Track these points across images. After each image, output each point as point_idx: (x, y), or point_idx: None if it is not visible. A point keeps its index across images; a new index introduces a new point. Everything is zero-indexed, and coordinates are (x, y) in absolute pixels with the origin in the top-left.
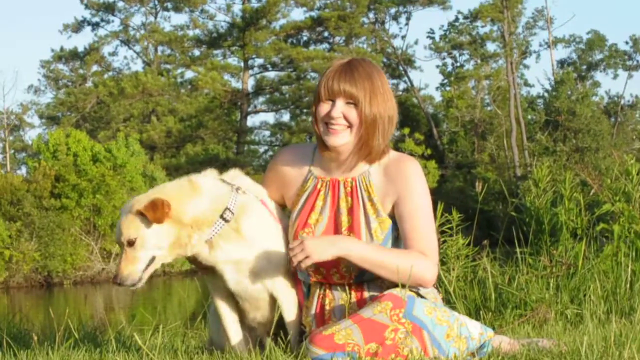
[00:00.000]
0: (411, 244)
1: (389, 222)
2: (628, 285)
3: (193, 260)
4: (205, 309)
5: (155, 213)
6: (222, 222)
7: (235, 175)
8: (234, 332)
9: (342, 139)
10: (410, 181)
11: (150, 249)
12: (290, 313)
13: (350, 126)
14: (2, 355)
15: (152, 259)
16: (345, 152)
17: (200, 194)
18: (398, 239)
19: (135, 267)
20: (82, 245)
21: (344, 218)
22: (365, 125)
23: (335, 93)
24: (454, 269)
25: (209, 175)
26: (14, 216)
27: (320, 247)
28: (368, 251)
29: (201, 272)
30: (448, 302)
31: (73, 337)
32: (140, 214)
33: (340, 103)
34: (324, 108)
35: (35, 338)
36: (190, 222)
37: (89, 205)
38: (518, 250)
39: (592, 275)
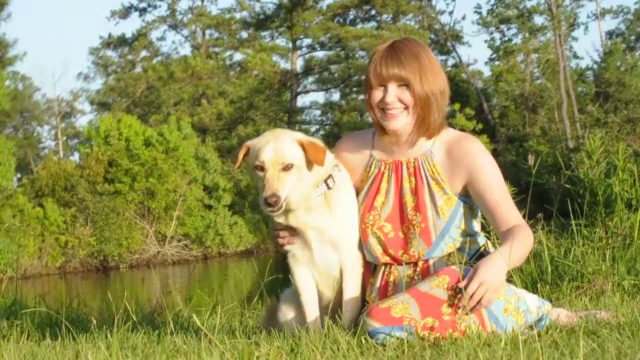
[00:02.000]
0: (501, 215)
1: (455, 199)
2: None
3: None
4: (262, 288)
5: (317, 154)
6: (325, 187)
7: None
8: (313, 309)
9: (401, 121)
10: (478, 159)
11: (298, 179)
12: (351, 289)
13: (406, 107)
14: (61, 340)
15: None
16: (405, 133)
17: (327, 156)
18: (465, 215)
19: (286, 190)
20: (137, 229)
21: (409, 198)
22: (421, 104)
23: (385, 78)
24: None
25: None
26: (69, 202)
27: (496, 275)
28: (514, 259)
29: (285, 245)
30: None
31: (131, 320)
32: (303, 146)
33: (392, 87)
34: (377, 95)
35: (94, 322)
36: (316, 179)
37: (143, 189)
38: (573, 222)
39: None
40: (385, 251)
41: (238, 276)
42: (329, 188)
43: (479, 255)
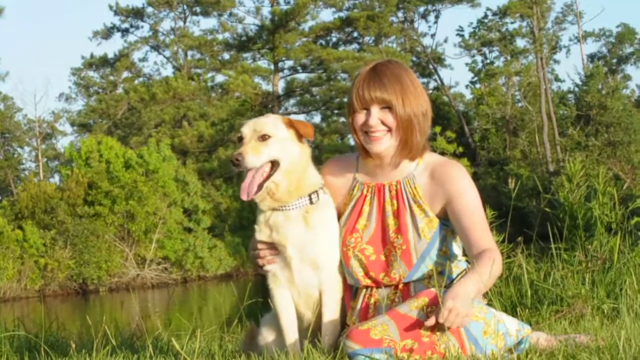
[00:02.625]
0: (474, 238)
1: (436, 222)
2: None
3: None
4: (242, 312)
5: (306, 128)
6: (307, 201)
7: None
8: (292, 332)
9: (384, 144)
10: (458, 182)
11: (277, 152)
12: (330, 311)
13: (389, 130)
14: None
15: (276, 165)
16: (389, 156)
17: (313, 169)
18: (446, 238)
19: (260, 157)
20: (117, 252)
21: (391, 221)
22: (403, 126)
23: (368, 101)
24: (502, 270)
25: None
26: (48, 224)
27: (466, 303)
28: (481, 285)
29: (265, 265)
30: (483, 299)
31: (110, 343)
32: (289, 124)
33: (375, 110)
34: (360, 118)
35: (74, 346)
36: (302, 172)
37: (122, 212)
38: (553, 246)
39: (628, 269)
40: (367, 274)
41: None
42: (311, 202)
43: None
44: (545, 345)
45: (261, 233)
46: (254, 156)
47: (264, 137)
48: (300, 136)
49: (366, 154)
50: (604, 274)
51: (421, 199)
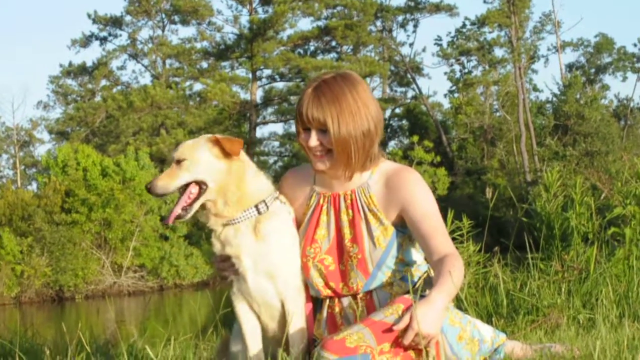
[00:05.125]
0: (434, 244)
1: (392, 230)
2: None
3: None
4: (217, 320)
5: (232, 144)
6: (255, 212)
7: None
8: (254, 343)
9: (325, 163)
10: (412, 188)
11: (197, 173)
12: (295, 322)
13: (329, 150)
14: None
15: (201, 187)
16: (333, 173)
17: (257, 179)
18: (402, 245)
19: (172, 182)
20: (93, 260)
21: (346, 230)
22: (338, 147)
23: (306, 122)
24: (465, 276)
25: (267, 175)
26: (25, 232)
27: (434, 324)
28: (449, 295)
29: (227, 276)
30: (460, 309)
31: (85, 350)
32: (215, 142)
33: (314, 132)
34: (303, 137)
35: (48, 352)
36: (236, 185)
37: (99, 220)
38: (529, 255)
39: (604, 280)
40: (327, 284)
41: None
42: (259, 213)
43: (426, 281)
44: (521, 354)
45: (215, 247)
46: (164, 182)
47: (179, 162)
48: (236, 154)
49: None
50: (580, 284)
51: (376, 207)
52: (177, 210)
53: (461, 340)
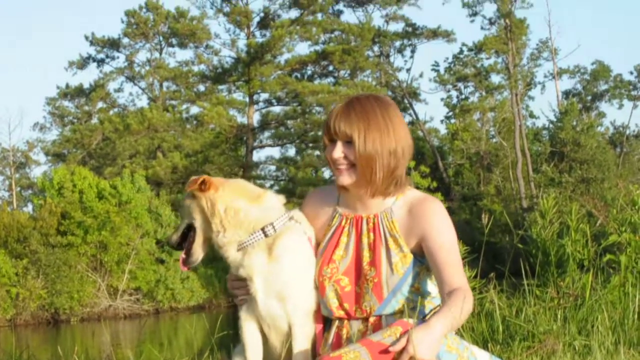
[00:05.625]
0: (447, 276)
1: (410, 258)
2: (636, 316)
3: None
4: (213, 343)
5: (194, 183)
6: (261, 235)
7: (296, 213)
8: (253, 357)
9: (348, 178)
10: (435, 218)
11: (184, 217)
12: (300, 344)
13: (353, 165)
14: None
15: (192, 230)
16: (355, 190)
17: (257, 203)
18: (419, 275)
19: (175, 233)
20: (89, 282)
21: (366, 253)
22: (361, 162)
23: (333, 134)
24: (473, 310)
25: (278, 197)
26: (21, 254)
27: (430, 349)
28: (450, 324)
29: (239, 296)
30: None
31: None
32: (190, 188)
33: (339, 144)
34: (329, 150)
35: None
36: (227, 215)
37: (95, 242)
38: (525, 282)
39: (600, 306)
40: (341, 305)
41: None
42: (266, 236)
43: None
44: None
45: (231, 268)
46: (172, 235)
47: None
48: (202, 191)
49: (339, 186)
50: (576, 310)
51: (397, 233)
52: (182, 257)
53: None
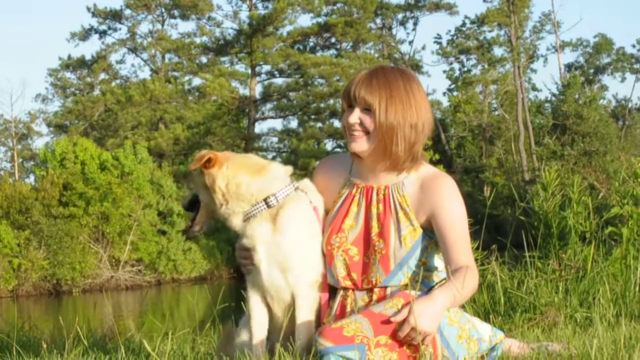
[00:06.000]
0: (454, 253)
1: (420, 232)
2: (637, 288)
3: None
4: (215, 315)
5: (199, 161)
6: (264, 205)
7: (303, 183)
8: (259, 333)
9: (361, 145)
10: (445, 195)
11: (191, 188)
12: (303, 315)
13: (367, 132)
14: None
15: (198, 201)
16: (368, 159)
17: (260, 175)
18: (427, 249)
19: (185, 200)
20: (91, 253)
21: (374, 223)
22: (382, 132)
23: (352, 100)
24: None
25: (285, 169)
26: (23, 225)
27: (432, 321)
28: (453, 298)
29: (247, 265)
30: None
31: (82, 344)
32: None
33: (357, 110)
34: (346, 115)
35: (45, 346)
36: (229, 189)
37: (97, 213)
38: (527, 254)
39: (601, 279)
40: (348, 274)
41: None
42: (269, 206)
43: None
44: (518, 352)
45: (239, 239)
46: (185, 200)
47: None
48: (206, 168)
49: (354, 154)
50: (578, 282)
51: (408, 206)
52: (187, 225)
53: (460, 340)
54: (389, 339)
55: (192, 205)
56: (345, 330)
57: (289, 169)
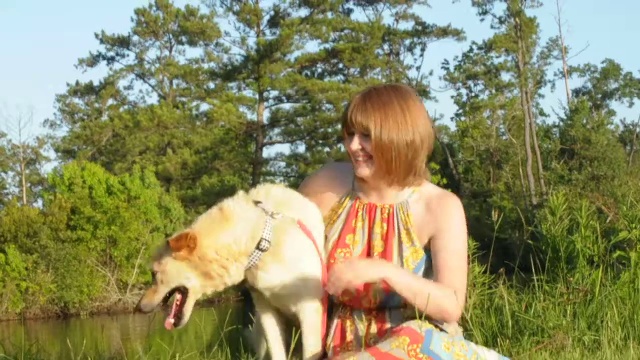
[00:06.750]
0: (441, 279)
1: (422, 253)
2: None
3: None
4: (222, 337)
5: (175, 243)
6: (259, 253)
7: (267, 191)
8: (277, 350)
9: (365, 170)
10: (449, 217)
11: (171, 282)
12: (310, 338)
13: (370, 156)
14: None
15: (180, 293)
16: (373, 181)
17: (233, 224)
18: (429, 272)
19: (153, 298)
20: (99, 277)
21: (377, 243)
22: (378, 153)
23: (350, 126)
24: (470, 297)
25: (241, 200)
26: (31, 248)
27: (364, 269)
28: (407, 278)
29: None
30: (465, 329)
31: None
32: (173, 246)
33: (357, 136)
34: (347, 142)
35: None
36: (224, 252)
37: (105, 237)
38: (535, 277)
39: (609, 302)
40: (347, 291)
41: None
42: (263, 251)
43: None
44: None
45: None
46: (147, 300)
47: (154, 275)
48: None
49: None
50: (585, 306)
51: (412, 226)
52: (170, 321)
53: None
54: None
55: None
56: None
57: (241, 198)
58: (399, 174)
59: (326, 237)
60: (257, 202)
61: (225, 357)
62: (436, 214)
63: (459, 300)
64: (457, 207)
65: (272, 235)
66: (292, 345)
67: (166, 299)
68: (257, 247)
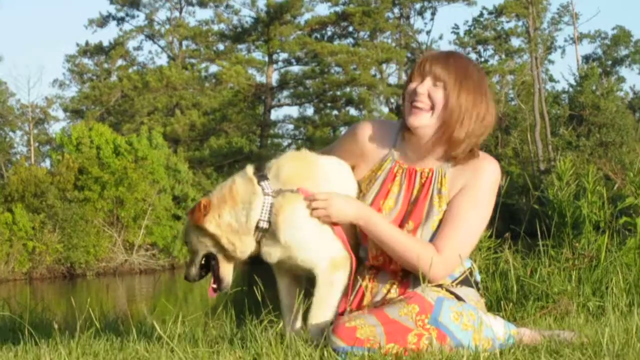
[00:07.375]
0: (443, 232)
1: None
2: None
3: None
4: (227, 299)
5: (193, 215)
6: (260, 233)
7: (279, 166)
8: (287, 320)
9: (423, 120)
10: (481, 178)
11: (196, 250)
12: (321, 293)
13: (432, 108)
14: (24, 344)
15: (212, 259)
16: (425, 137)
17: (234, 204)
18: None
19: (191, 267)
20: (105, 237)
21: (411, 207)
22: (447, 112)
23: (425, 72)
24: (475, 261)
25: (246, 178)
26: (38, 208)
27: (343, 210)
28: (385, 226)
29: None
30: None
31: (94, 326)
32: (194, 220)
33: (428, 81)
34: (413, 85)
35: (57, 327)
36: (227, 228)
37: (112, 198)
38: (540, 242)
39: (615, 268)
40: (381, 254)
41: (204, 287)
42: (264, 230)
43: (464, 279)
44: (529, 340)
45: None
46: (189, 271)
47: (186, 245)
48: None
49: (407, 128)
50: (591, 271)
51: (446, 190)
52: (212, 286)
53: (475, 343)
54: (400, 349)
55: (205, 268)
56: (359, 332)
57: (250, 170)
58: (457, 143)
59: (364, 196)
60: (262, 178)
61: (230, 319)
62: (468, 171)
63: (443, 260)
64: (493, 170)
65: (270, 216)
66: (302, 309)
67: (208, 266)
68: (257, 228)
